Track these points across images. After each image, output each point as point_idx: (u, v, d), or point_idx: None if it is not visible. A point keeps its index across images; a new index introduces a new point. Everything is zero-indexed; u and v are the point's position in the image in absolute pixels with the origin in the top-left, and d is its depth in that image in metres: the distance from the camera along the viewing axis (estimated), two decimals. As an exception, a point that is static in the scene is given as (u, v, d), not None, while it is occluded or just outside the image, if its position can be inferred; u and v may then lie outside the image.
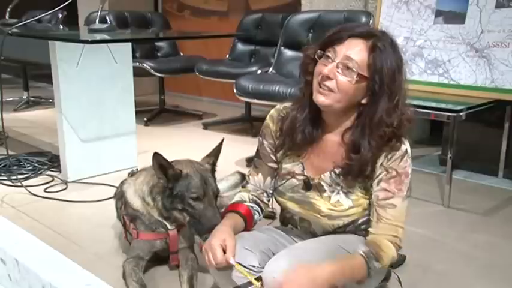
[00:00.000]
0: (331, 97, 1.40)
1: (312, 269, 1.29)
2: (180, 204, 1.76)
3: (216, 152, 1.88)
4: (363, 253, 1.37)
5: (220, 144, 1.88)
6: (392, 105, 1.39)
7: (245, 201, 1.59)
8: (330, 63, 1.40)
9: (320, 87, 1.41)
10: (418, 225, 2.38)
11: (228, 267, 1.41)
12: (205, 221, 1.72)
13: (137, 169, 2.10)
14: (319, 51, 1.44)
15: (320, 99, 1.42)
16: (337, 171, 1.49)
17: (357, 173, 1.44)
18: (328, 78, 1.39)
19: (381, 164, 1.43)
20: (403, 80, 1.42)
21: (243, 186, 1.67)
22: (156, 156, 1.75)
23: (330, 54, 1.41)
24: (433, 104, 2.75)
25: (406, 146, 1.44)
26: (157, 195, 1.82)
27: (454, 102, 2.78)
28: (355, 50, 1.38)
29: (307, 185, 1.53)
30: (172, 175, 1.76)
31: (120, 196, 2.02)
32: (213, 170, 1.86)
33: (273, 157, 1.61)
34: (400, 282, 1.74)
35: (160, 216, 1.86)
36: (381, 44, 1.38)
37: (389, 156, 1.42)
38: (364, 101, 1.43)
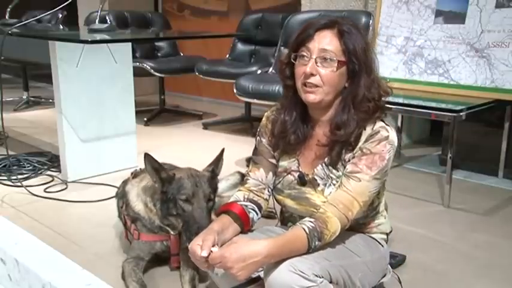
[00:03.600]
0: (319, 92, 1.45)
1: (250, 242, 1.34)
2: (174, 208, 1.74)
3: (216, 161, 1.84)
4: (307, 231, 1.36)
5: (221, 153, 1.84)
6: (370, 80, 1.46)
7: (239, 201, 1.58)
8: (309, 61, 1.44)
9: (306, 86, 1.45)
10: (418, 225, 2.38)
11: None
12: (192, 223, 1.67)
13: (140, 169, 2.09)
14: (293, 54, 1.48)
15: (310, 97, 1.46)
16: (327, 160, 1.51)
17: (340, 147, 1.47)
18: (311, 75, 1.44)
19: (359, 147, 1.46)
20: (374, 57, 1.50)
21: (242, 185, 1.66)
22: (148, 157, 1.73)
23: (304, 53, 1.46)
24: (433, 104, 2.75)
25: (388, 133, 1.46)
26: (157, 202, 1.81)
27: (454, 102, 2.79)
28: (326, 41, 1.44)
29: (302, 180, 1.55)
30: (165, 178, 1.75)
31: (122, 196, 2.02)
32: (212, 177, 1.81)
33: (272, 153, 1.62)
34: (400, 282, 1.74)
35: (161, 222, 1.85)
36: (346, 28, 1.45)
37: (369, 140, 1.45)
38: (347, 85, 1.48)
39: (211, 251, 1.35)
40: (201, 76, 4.28)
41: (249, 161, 1.69)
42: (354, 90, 1.46)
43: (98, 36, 3.00)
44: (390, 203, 1.75)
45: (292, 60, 1.49)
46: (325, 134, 1.51)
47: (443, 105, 2.70)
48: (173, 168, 1.92)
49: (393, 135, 1.47)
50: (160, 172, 1.75)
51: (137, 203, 1.90)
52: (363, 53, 1.45)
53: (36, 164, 3.11)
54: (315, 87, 1.44)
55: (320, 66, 1.43)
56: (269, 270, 1.35)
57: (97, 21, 3.39)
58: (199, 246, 1.37)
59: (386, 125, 1.48)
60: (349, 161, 1.47)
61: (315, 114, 1.54)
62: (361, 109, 1.45)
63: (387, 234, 1.68)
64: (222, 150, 1.84)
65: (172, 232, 1.86)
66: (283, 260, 1.34)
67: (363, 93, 1.45)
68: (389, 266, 1.68)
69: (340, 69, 1.44)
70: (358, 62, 1.43)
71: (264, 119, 1.66)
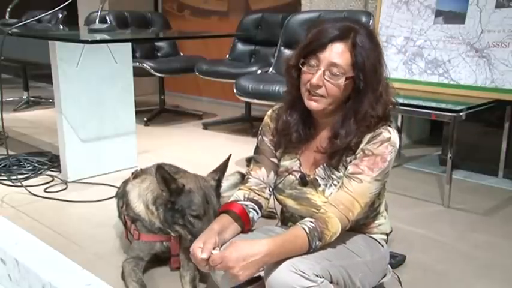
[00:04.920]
0: (323, 102, 1.45)
1: (250, 241, 1.34)
2: (181, 219, 1.73)
3: (222, 168, 1.84)
4: (307, 231, 1.36)
5: (227, 160, 1.84)
6: (376, 97, 1.44)
7: (239, 200, 1.58)
8: (316, 71, 1.43)
9: (310, 93, 1.46)
10: (418, 225, 2.38)
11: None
12: None
13: (141, 169, 2.09)
14: (302, 60, 1.47)
15: (313, 105, 1.47)
16: (328, 162, 1.51)
17: (340, 154, 1.48)
18: (317, 86, 1.43)
19: (361, 148, 1.46)
20: (384, 69, 1.47)
21: (243, 184, 1.66)
22: (160, 169, 1.72)
23: (313, 62, 1.44)
24: (433, 104, 2.75)
25: (390, 134, 1.46)
26: (160, 207, 1.80)
27: (454, 102, 2.79)
28: (338, 54, 1.42)
29: (303, 181, 1.55)
30: (174, 189, 1.74)
31: (122, 196, 2.01)
32: (218, 186, 1.82)
33: (274, 153, 1.63)
34: (400, 282, 1.74)
35: (162, 225, 1.84)
36: (360, 40, 1.42)
37: (371, 141, 1.45)
38: (352, 96, 1.47)
39: (212, 253, 1.36)
40: (201, 76, 4.28)
41: (249, 160, 1.69)
42: (356, 106, 1.45)
43: (98, 36, 3.00)
44: (390, 203, 1.75)
45: (300, 66, 1.47)
46: (322, 144, 1.51)
47: (443, 105, 2.70)
48: (176, 171, 1.91)
49: (395, 137, 1.47)
50: (170, 183, 1.73)
51: (138, 204, 1.90)
52: (372, 69, 1.42)
53: (36, 164, 3.10)
54: (319, 96, 1.45)
55: (327, 79, 1.42)
56: (269, 270, 1.35)
57: (97, 21, 3.39)
58: (200, 249, 1.38)
59: (389, 126, 1.48)
60: (350, 162, 1.47)
61: (317, 117, 1.54)
62: (363, 124, 1.45)
63: (387, 234, 1.68)
64: (229, 157, 1.84)
65: (172, 234, 1.86)
66: (283, 260, 1.34)
67: (365, 110, 1.44)
68: (389, 266, 1.68)
69: (346, 83, 1.43)
70: (364, 79, 1.42)
71: (266, 117, 1.66)
